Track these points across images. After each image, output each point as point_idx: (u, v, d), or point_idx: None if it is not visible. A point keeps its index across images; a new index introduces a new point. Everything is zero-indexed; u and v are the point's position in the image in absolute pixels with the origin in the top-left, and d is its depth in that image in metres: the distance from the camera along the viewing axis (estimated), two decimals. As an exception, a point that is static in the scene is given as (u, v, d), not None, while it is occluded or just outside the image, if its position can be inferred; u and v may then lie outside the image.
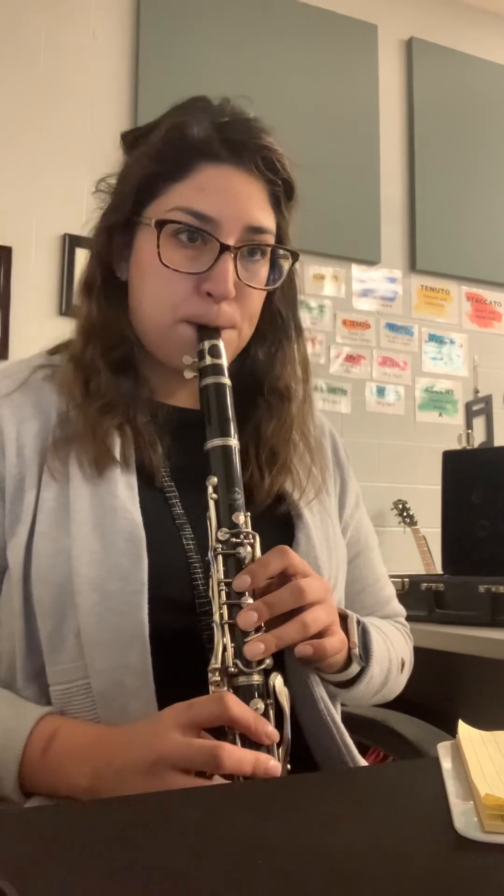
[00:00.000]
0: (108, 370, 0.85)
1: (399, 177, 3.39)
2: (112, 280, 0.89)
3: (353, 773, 0.76)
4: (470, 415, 3.36)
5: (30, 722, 0.72)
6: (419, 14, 3.51)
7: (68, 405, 0.84)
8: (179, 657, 0.75)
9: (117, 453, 0.82)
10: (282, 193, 0.88)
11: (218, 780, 0.65)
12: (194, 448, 0.80)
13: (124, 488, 0.81)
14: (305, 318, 3.60)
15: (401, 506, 3.01)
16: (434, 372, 3.36)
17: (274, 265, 0.90)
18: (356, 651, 0.83)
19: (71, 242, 2.72)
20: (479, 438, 3.27)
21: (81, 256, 2.77)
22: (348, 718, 1.06)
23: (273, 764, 0.66)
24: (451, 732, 0.66)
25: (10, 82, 2.77)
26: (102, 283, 0.88)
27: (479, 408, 3.34)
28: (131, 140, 0.90)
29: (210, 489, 0.76)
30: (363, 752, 1.25)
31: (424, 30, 3.49)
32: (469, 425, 3.33)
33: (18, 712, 0.74)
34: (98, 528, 0.77)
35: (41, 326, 2.64)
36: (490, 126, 3.54)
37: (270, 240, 0.87)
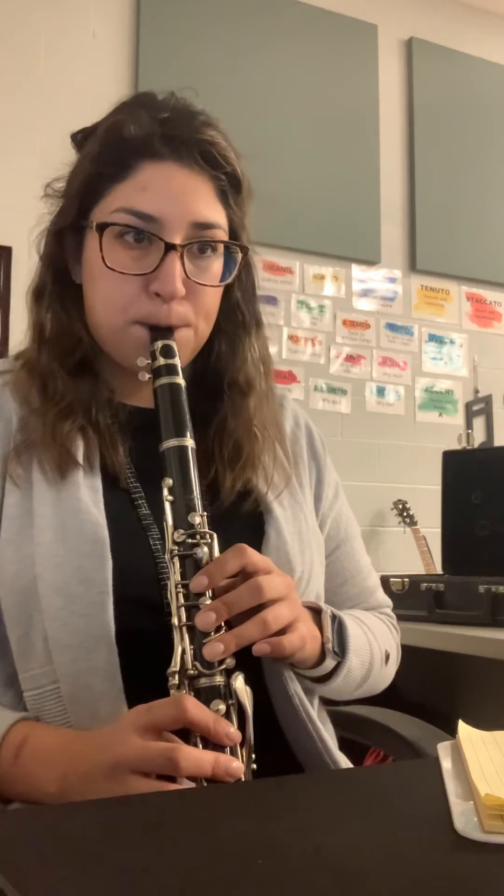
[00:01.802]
0: (66, 374, 0.85)
1: (399, 177, 3.39)
2: (68, 284, 0.88)
3: (353, 773, 0.76)
4: (470, 415, 3.36)
5: (0, 730, 0.72)
6: (419, 14, 3.51)
7: (27, 411, 0.83)
8: (149, 658, 0.74)
9: (80, 456, 0.82)
10: (227, 187, 0.86)
11: (184, 783, 0.65)
12: (158, 448, 0.79)
13: (87, 491, 0.80)
14: (305, 318, 3.61)
15: (401, 506, 3.01)
16: (434, 372, 3.36)
17: (228, 260, 0.87)
18: (329, 645, 0.82)
19: (71, 242, 2.71)
20: (479, 438, 3.27)
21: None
22: (348, 718, 1.06)
23: (235, 765, 0.65)
24: (451, 732, 0.66)
25: (10, 82, 2.77)
26: (56, 287, 0.88)
27: (479, 408, 3.34)
28: (80, 140, 0.90)
29: (165, 491, 0.75)
30: (363, 753, 1.25)
31: (424, 30, 3.49)
32: (469, 425, 3.33)
33: None
34: (61, 531, 0.77)
35: (41, 326, 2.63)
36: (490, 126, 3.54)
37: (220, 235, 0.85)
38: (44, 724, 0.75)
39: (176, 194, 0.81)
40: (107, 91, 2.89)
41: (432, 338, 3.38)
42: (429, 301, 3.40)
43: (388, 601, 1.05)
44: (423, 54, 3.46)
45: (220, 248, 0.85)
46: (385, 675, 0.96)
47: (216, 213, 0.84)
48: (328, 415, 3.10)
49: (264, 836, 0.46)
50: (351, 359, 3.22)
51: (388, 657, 0.95)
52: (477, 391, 3.39)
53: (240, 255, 0.88)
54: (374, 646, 0.91)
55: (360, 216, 3.25)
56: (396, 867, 0.42)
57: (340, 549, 1.00)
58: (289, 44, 3.19)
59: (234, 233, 0.88)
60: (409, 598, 1.68)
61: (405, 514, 2.99)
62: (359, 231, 3.24)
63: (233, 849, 0.44)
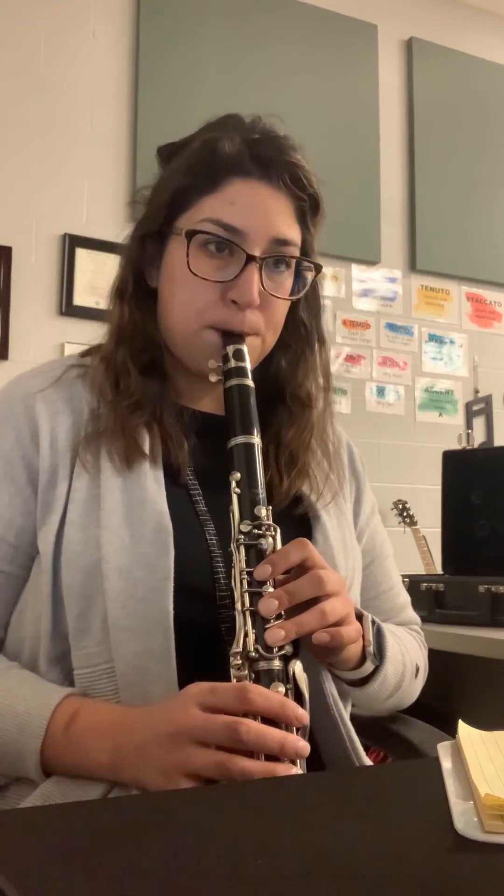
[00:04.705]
0: (137, 371, 0.89)
1: (399, 177, 3.39)
2: (142, 286, 0.92)
3: (354, 773, 0.76)
4: (470, 415, 3.36)
5: (53, 701, 0.75)
6: (419, 14, 3.51)
7: (99, 402, 0.87)
8: (198, 646, 0.78)
9: (146, 449, 0.86)
10: (308, 208, 0.91)
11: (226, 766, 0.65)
12: (216, 450, 0.83)
13: (152, 482, 0.84)
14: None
15: (401, 506, 3.01)
16: (434, 372, 3.36)
17: (298, 276, 0.93)
18: (370, 649, 0.85)
19: (71, 242, 2.71)
20: (479, 438, 3.27)
21: (81, 256, 2.77)
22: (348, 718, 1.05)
23: (302, 745, 0.68)
24: (451, 732, 0.66)
25: (10, 82, 2.77)
26: (133, 289, 0.92)
27: (479, 408, 3.34)
28: (166, 154, 0.94)
29: (233, 484, 0.79)
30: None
31: (424, 30, 3.49)
32: (469, 425, 3.33)
33: (42, 692, 0.77)
34: (127, 518, 0.80)
35: (41, 326, 2.64)
36: (490, 126, 3.55)
37: (295, 252, 0.90)
38: (95, 699, 0.77)
39: (260, 210, 0.86)
40: (107, 91, 2.91)
41: (432, 338, 3.38)
42: (429, 301, 3.40)
43: (417, 619, 1.09)
44: (423, 54, 3.46)
45: (293, 264, 0.90)
46: (413, 689, 0.99)
47: (294, 232, 0.89)
48: (328, 415, 3.09)
49: (264, 836, 0.46)
50: (351, 359, 3.22)
51: (417, 671, 0.98)
52: (477, 391, 3.39)
53: (310, 274, 0.92)
54: (407, 657, 0.94)
55: (360, 216, 3.25)
56: (396, 867, 0.42)
57: (375, 563, 1.03)
58: (289, 43, 3.19)
59: (305, 252, 0.92)
60: (409, 598, 1.68)
61: (405, 514, 2.99)
62: (359, 231, 3.24)
63: (233, 849, 0.44)
